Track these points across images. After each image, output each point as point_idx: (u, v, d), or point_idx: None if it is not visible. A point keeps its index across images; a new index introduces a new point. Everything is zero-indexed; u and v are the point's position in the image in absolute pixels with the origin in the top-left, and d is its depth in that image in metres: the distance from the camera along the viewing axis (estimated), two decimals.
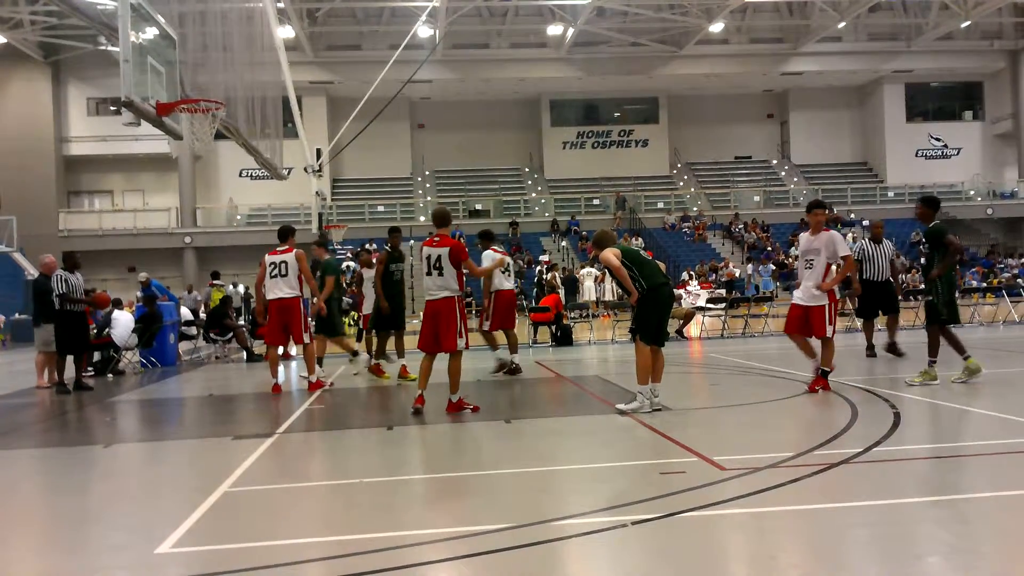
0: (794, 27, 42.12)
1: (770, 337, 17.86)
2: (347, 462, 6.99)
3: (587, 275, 30.73)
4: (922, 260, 11.23)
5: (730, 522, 4.77)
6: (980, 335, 16.58)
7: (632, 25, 40.59)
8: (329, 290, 12.12)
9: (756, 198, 44.93)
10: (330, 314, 12.41)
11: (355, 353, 13.89)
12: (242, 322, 19.51)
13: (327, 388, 11.23)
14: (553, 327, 18.22)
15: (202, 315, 20.65)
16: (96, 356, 14.92)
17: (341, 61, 40.75)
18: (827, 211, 9.78)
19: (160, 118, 11.62)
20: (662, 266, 8.83)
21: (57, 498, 6.13)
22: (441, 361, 8.97)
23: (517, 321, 12.76)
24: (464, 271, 8.84)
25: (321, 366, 12.25)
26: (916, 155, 46.61)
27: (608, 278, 29.84)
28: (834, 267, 9.43)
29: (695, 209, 44.16)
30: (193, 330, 18.82)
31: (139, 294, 19.16)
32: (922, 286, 12.26)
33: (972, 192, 45.45)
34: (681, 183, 46.94)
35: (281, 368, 13.75)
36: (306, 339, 10.94)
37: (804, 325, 9.37)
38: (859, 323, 15.52)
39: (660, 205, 44.44)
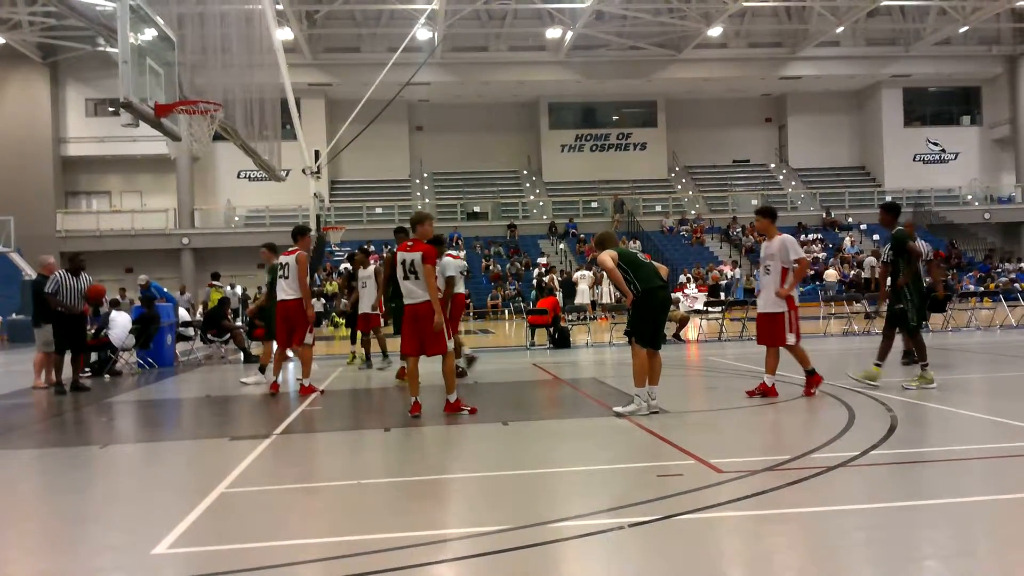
0: (792, 31, 42.21)
1: None
2: (344, 463, 6.98)
3: (582, 278, 30.74)
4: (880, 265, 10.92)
5: (727, 525, 4.77)
6: (977, 339, 16.60)
7: (631, 29, 40.67)
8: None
9: (754, 202, 44.94)
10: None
11: (385, 355, 14.00)
12: (239, 323, 19.49)
13: (319, 392, 11.12)
14: (551, 329, 18.22)
15: (198, 316, 20.63)
16: (93, 357, 14.90)
17: (340, 63, 40.79)
18: (768, 217, 9.48)
19: (158, 119, 11.63)
20: (663, 269, 8.76)
21: (54, 498, 6.12)
22: (429, 363, 8.94)
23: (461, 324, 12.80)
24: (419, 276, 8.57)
25: (264, 372, 12.29)
26: (914, 160, 46.71)
27: (605, 280, 29.89)
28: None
29: (693, 212, 44.21)
30: (190, 331, 18.80)
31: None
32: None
33: (969, 197, 45.56)
34: (679, 186, 47.00)
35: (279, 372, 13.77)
36: (308, 340, 10.91)
37: (771, 334, 9.34)
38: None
39: (658, 208, 44.49)
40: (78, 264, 12.72)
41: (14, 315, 30.12)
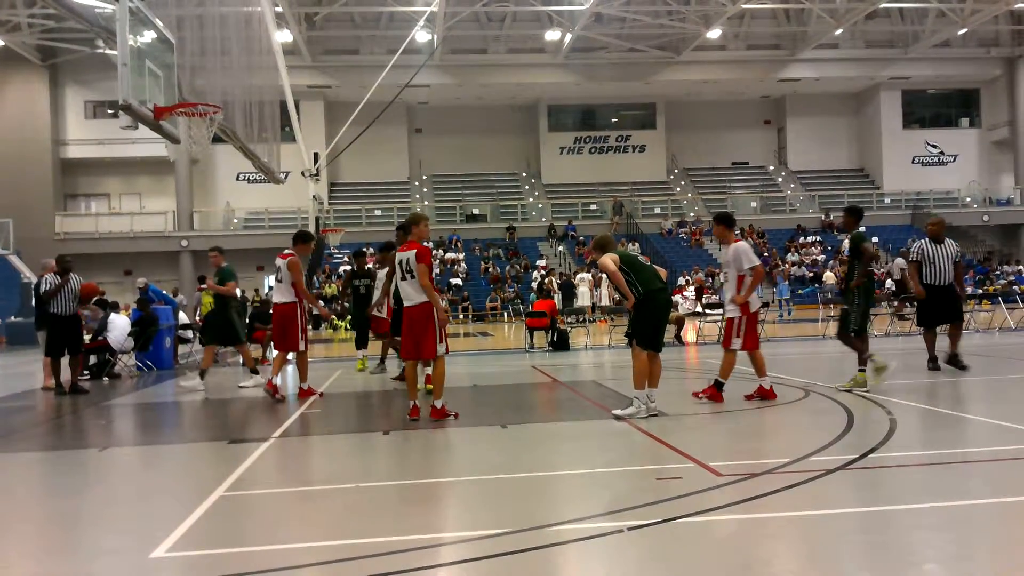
0: (791, 34, 42.24)
1: (766, 343, 17.85)
2: (343, 466, 6.97)
3: (582, 280, 30.75)
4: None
5: (726, 528, 4.77)
6: (976, 342, 16.60)
7: (630, 31, 40.70)
8: (229, 294, 12.53)
9: (753, 204, 45.01)
10: (229, 322, 12.67)
11: (381, 360, 13.88)
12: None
13: (318, 396, 10.99)
14: (549, 332, 18.23)
15: (196, 318, 20.58)
16: (92, 359, 14.90)
17: (339, 65, 40.79)
18: (724, 224, 9.58)
19: (157, 122, 11.61)
20: (663, 272, 8.80)
21: (52, 502, 6.12)
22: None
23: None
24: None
25: (203, 378, 12.31)
26: (913, 162, 46.75)
27: (604, 283, 29.89)
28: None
29: (692, 215, 44.23)
30: (189, 333, 18.78)
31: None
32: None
33: (968, 199, 45.60)
34: (678, 188, 47.02)
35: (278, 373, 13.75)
36: (301, 346, 10.82)
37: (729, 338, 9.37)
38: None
39: (657, 210, 44.51)
40: (66, 265, 12.71)
41: (13, 317, 30.11)
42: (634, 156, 47.26)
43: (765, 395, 9.24)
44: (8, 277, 32.15)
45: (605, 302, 29.34)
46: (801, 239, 41.76)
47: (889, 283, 36.21)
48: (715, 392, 9.27)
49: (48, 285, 12.44)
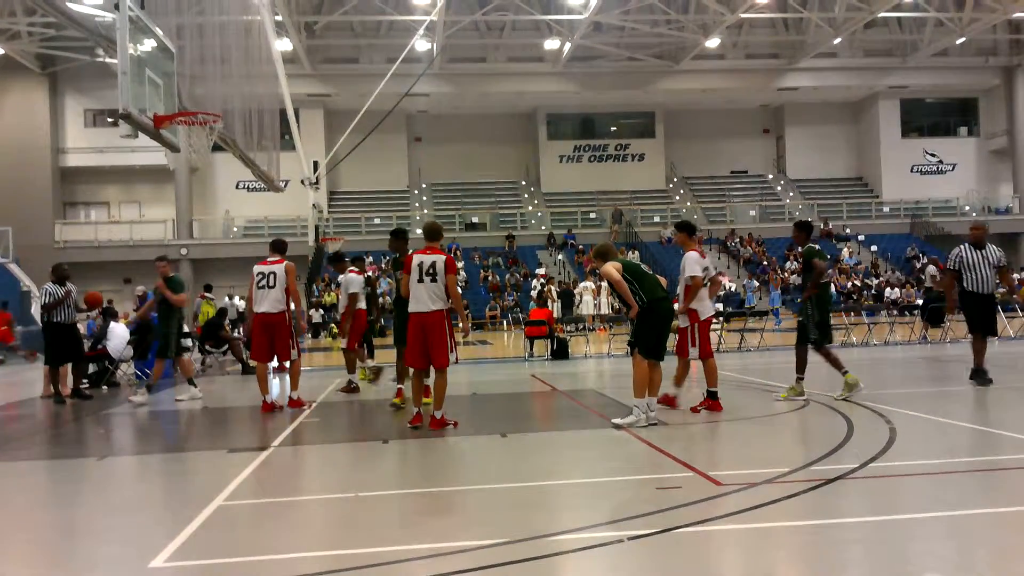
0: (790, 43, 42.33)
1: (766, 351, 17.86)
2: (342, 476, 6.96)
3: (585, 289, 30.74)
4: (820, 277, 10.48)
5: (727, 538, 4.76)
6: None
7: (629, 40, 40.78)
8: (182, 305, 12.31)
9: (752, 212, 45.04)
10: (167, 335, 12.09)
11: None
12: (237, 334, 19.46)
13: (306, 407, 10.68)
14: (549, 341, 18.22)
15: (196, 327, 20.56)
16: (91, 368, 14.87)
17: (339, 74, 40.84)
18: (684, 232, 9.71)
19: (157, 130, 11.61)
20: (663, 281, 8.85)
21: (50, 511, 6.10)
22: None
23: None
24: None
25: (150, 392, 12.11)
26: (911, 171, 46.79)
27: (604, 291, 29.87)
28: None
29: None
30: (189, 342, 18.75)
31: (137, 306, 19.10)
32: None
33: (967, 208, 45.62)
34: (677, 197, 47.05)
35: (277, 382, 13.74)
36: (293, 355, 10.55)
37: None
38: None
39: (656, 219, 44.53)
40: (62, 274, 12.70)
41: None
42: (633, 165, 47.31)
43: (711, 407, 9.19)
44: (7, 285, 32.11)
45: (605, 311, 29.33)
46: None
47: (890, 293, 36.26)
48: (712, 402, 9.26)
49: (49, 297, 12.43)
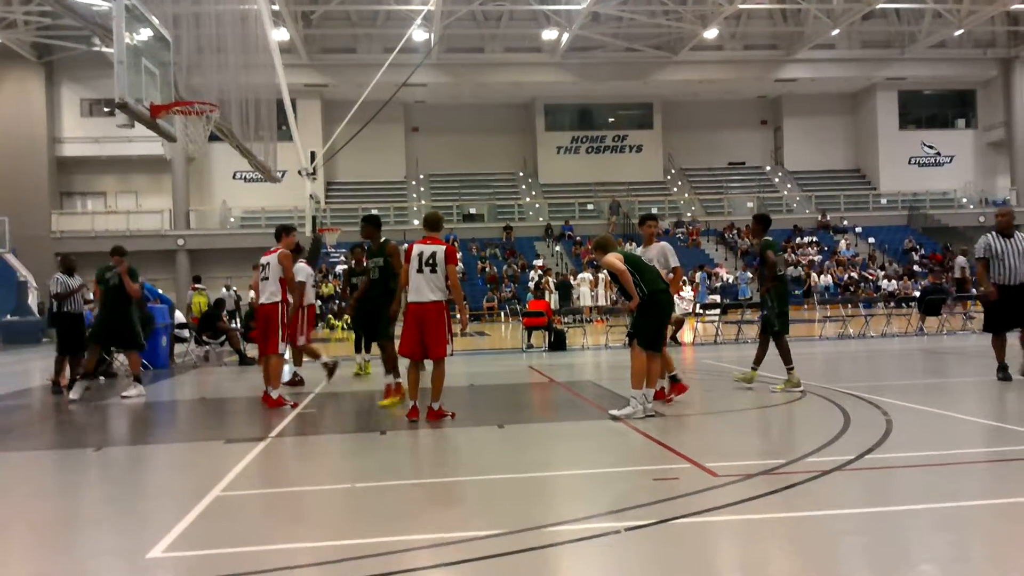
0: (788, 34, 42.28)
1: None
2: (340, 466, 6.97)
3: (583, 280, 30.76)
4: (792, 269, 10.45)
5: (723, 529, 4.77)
6: (972, 343, 16.63)
7: (627, 30, 40.69)
8: (136, 295, 12.03)
9: (749, 204, 45.02)
10: (130, 325, 11.87)
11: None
12: (235, 325, 19.46)
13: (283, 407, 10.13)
14: (547, 332, 18.23)
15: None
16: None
17: (336, 64, 40.75)
18: (657, 223, 9.84)
19: (154, 120, 11.59)
20: (662, 272, 8.89)
21: (48, 501, 6.10)
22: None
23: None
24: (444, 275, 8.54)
25: (139, 383, 11.78)
26: (909, 162, 46.80)
27: (602, 283, 29.88)
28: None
29: (689, 215, 44.25)
30: (186, 333, 18.76)
31: None
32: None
33: (964, 200, 45.68)
34: (675, 189, 47.04)
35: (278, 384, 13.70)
36: (281, 348, 10.23)
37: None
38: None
39: (654, 210, 44.12)
40: (70, 264, 12.72)
41: (9, 316, 30.05)
42: (631, 156, 47.26)
43: (659, 396, 9.24)
44: (4, 276, 32.07)
45: (602, 302, 29.34)
46: (797, 239, 41.81)
47: (887, 285, 36.31)
48: (677, 385, 9.43)
49: (61, 286, 12.43)
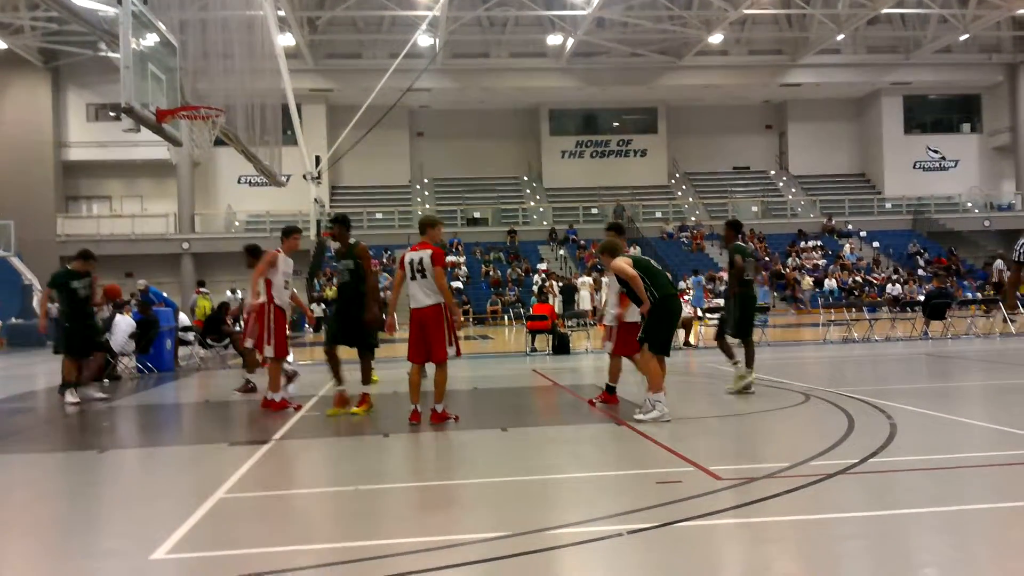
0: (793, 39, 42.27)
1: (766, 347, 17.86)
2: (343, 469, 6.97)
3: (583, 284, 30.73)
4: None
5: (726, 532, 4.77)
6: (977, 347, 16.60)
7: (632, 36, 40.72)
8: (45, 303, 11.92)
9: (754, 208, 45.02)
10: (73, 332, 11.62)
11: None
12: (239, 328, 19.45)
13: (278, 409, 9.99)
14: (551, 336, 18.23)
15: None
16: None
17: (341, 69, 40.84)
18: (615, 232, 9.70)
19: (160, 125, 11.62)
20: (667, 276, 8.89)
21: (52, 503, 6.11)
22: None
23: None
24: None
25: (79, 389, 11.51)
26: (914, 167, 46.73)
27: (604, 287, 29.82)
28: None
29: (693, 219, 44.22)
30: (190, 335, 18.79)
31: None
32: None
33: (969, 204, 45.59)
34: (679, 193, 47.02)
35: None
36: (268, 352, 10.02)
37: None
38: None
39: (658, 214, 44.52)
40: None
41: (14, 319, 30.13)
42: (635, 160, 47.26)
43: (607, 399, 9.50)
44: (9, 279, 32.16)
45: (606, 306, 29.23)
46: (802, 244, 41.77)
47: (891, 289, 36.25)
48: (610, 396, 9.53)
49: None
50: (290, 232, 10.40)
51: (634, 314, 9.12)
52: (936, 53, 42.32)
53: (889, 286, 36.86)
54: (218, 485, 6.05)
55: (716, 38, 39.17)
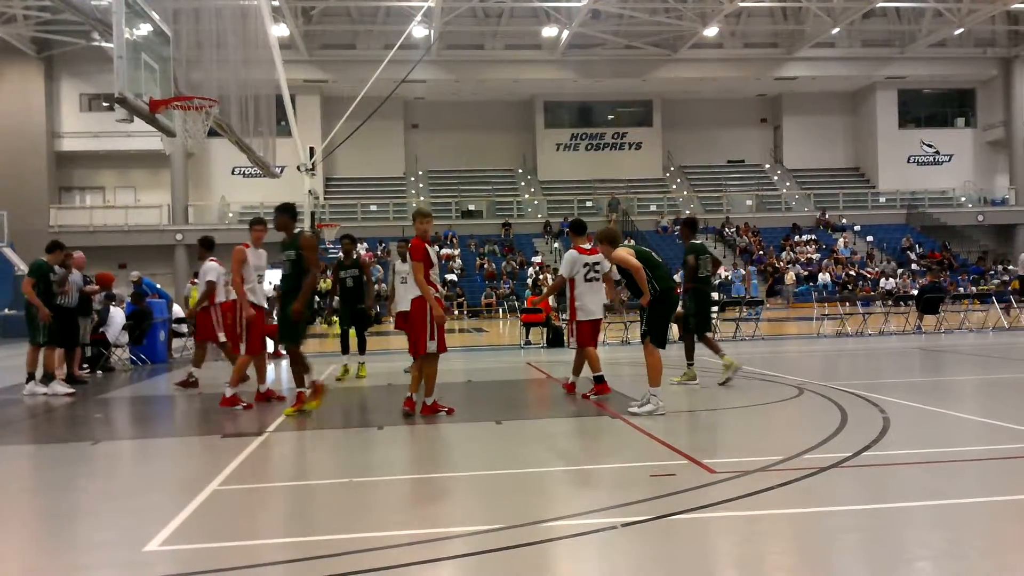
0: (788, 32, 42.25)
1: (760, 341, 17.89)
2: (336, 462, 6.97)
3: None
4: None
5: (719, 525, 4.78)
6: (970, 341, 16.65)
7: (627, 28, 40.67)
8: (29, 293, 11.76)
9: (748, 202, 45.04)
10: (52, 324, 11.61)
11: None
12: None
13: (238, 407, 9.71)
14: (544, 328, 18.24)
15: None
16: (88, 352, 14.86)
17: (335, 60, 40.71)
18: (573, 231, 9.99)
19: (153, 115, 11.58)
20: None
21: (45, 495, 6.10)
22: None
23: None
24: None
25: (48, 384, 11.47)
26: (908, 161, 46.80)
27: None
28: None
29: (688, 212, 44.21)
30: (184, 327, 18.73)
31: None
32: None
33: (963, 199, 45.70)
34: (674, 186, 47.02)
35: (271, 368, 13.73)
36: (241, 349, 9.89)
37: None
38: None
39: (653, 208, 44.51)
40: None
41: (6, 310, 30.01)
42: (630, 153, 47.25)
43: (600, 390, 9.58)
44: (1, 270, 32.04)
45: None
46: (796, 238, 41.82)
47: (885, 283, 36.31)
48: (600, 386, 9.61)
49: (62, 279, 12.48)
50: (254, 223, 10.11)
51: (587, 312, 9.56)
52: (931, 47, 42.35)
53: (883, 280, 36.94)
54: (212, 477, 6.04)
55: (711, 31, 39.16)
